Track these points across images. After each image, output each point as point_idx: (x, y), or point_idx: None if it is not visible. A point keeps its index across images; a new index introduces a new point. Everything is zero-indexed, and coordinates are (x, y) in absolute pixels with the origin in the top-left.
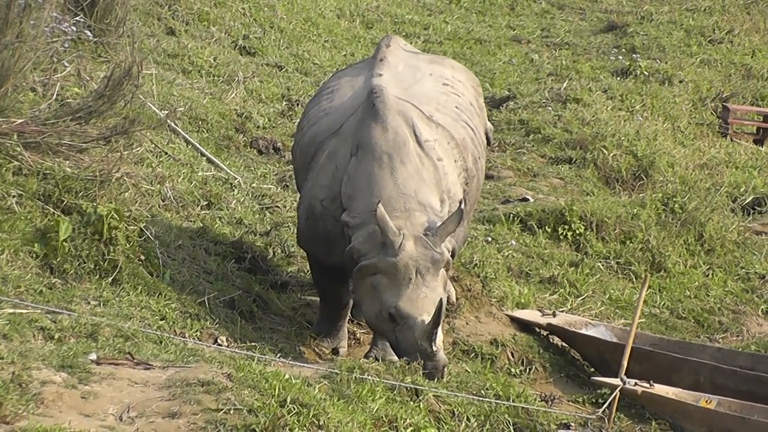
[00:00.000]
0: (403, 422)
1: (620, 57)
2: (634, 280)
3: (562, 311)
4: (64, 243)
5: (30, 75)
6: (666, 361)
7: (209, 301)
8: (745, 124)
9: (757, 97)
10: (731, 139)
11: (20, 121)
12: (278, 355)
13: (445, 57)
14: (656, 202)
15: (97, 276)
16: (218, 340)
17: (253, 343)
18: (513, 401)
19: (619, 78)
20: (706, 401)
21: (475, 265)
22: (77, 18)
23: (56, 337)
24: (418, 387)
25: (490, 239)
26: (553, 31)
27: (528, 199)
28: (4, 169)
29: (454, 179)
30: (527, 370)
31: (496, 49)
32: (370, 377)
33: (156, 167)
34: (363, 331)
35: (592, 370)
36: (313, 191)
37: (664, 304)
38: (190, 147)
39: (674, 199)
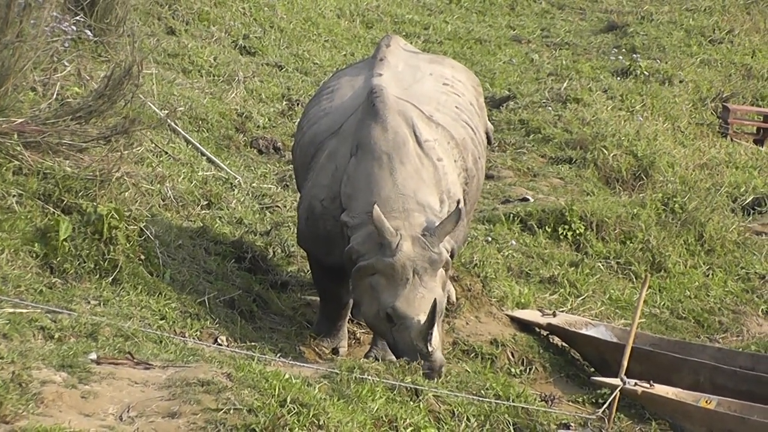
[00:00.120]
0: (403, 422)
1: (620, 57)
2: (634, 280)
3: (562, 311)
4: (64, 242)
5: (30, 74)
6: (666, 361)
7: (209, 300)
8: (745, 124)
9: (757, 97)
10: (731, 139)
11: (20, 120)
12: (278, 354)
13: (445, 57)
14: (656, 202)
15: (97, 275)
16: (218, 340)
17: (253, 343)
18: (513, 401)
19: (619, 78)
20: (706, 401)
21: (475, 264)
22: (77, 17)
23: (56, 336)
24: (418, 387)
25: (490, 239)
26: (553, 31)
27: (528, 199)
28: (5, 168)
29: (454, 179)
30: (527, 370)
31: (496, 49)
32: (370, 377)
33: (156, 167)
34: (363, 331)
35: (592, 370)
36: (313, 191)
37: (664, 304)
38: (190, 147)
39: (674, 199)
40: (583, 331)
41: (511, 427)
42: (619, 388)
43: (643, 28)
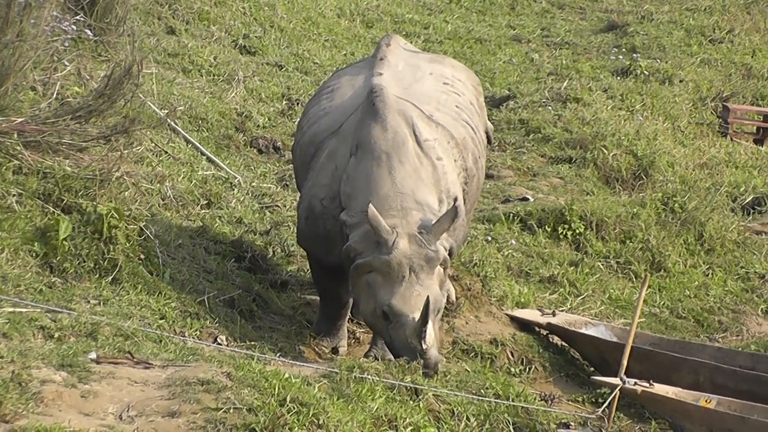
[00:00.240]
0: (403, 421)
1: (620, 56)
2: (634, 279)
3: (562, 311)
4: (63, 242)
5: (30, 74)
6: (666, 361)
7: (209, 300)
8: (745, 123)
9: (757, 96)
10: (731, 139)
11: (20, 120)
12: (278, 354)
13: (445, 56)
14: (656, 201)
15: (97, 275)
16: (218, 339)
17: (252, 342)
18: (513, 401)
19: (619, 77)
20: (706, 401)
21: (475, 264)
22: (77, 17)
23: (56, 336)
24: (417, 386)
25: (490, 238)
26: (554, 30)
27: (528, 199)
28: (4, 168)
29: (454, 178)
30: (527, 369)
31: (496, 49)
32: (369, 376)
33: (156, 166)
34: (363, 330)
35: (592, 369)
36: (312, 190)
37: (664, 304)
38: (190, 146)
39: (674, 199)
40: (583, 331)
41: (511, 427)
42: (618, 388)
43: (643, 28)
